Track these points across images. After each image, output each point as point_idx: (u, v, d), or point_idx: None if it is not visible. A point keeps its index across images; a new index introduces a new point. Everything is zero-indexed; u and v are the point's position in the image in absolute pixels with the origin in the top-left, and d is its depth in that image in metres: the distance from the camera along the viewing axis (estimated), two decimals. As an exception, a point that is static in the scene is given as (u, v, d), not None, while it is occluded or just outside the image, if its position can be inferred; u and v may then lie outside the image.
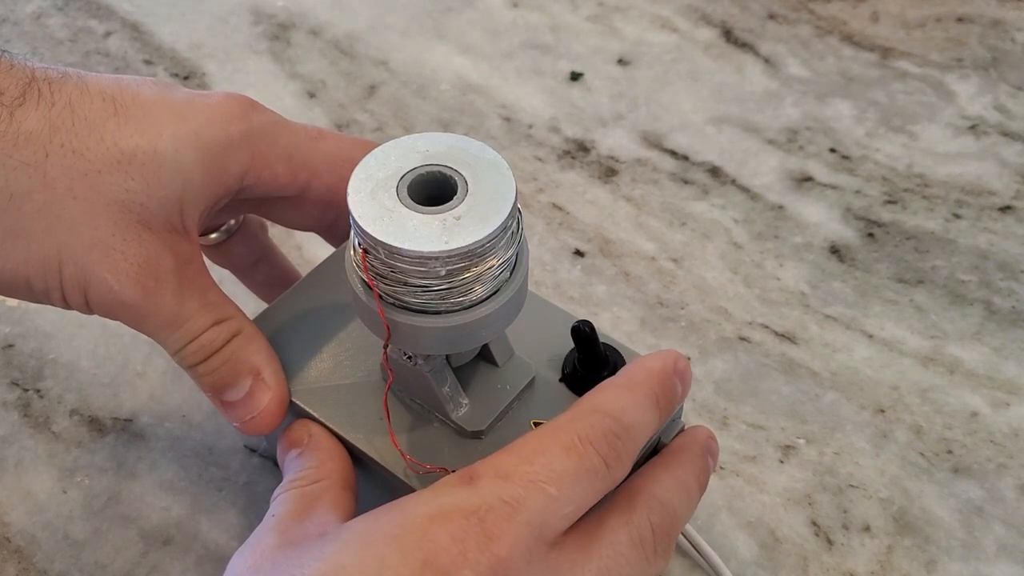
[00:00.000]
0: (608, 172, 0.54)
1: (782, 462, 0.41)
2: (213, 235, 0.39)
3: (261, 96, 0.60)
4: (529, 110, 0.57)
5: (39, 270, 0.30)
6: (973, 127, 0.56)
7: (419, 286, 0.28)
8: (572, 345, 0.35)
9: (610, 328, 0.46)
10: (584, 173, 0.54)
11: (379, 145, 0.31)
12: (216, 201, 0.33)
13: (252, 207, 0.38)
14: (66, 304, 0.32)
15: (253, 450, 0.42)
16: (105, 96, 0.31)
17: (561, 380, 0.35)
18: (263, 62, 0.60)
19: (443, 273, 0.28)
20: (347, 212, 0.29)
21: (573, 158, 0.55)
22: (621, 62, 0.61)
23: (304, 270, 0.46)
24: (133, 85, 0.32)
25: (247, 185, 0.34)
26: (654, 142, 0.56)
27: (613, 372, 0.35)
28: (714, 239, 0.50)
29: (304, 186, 0.35)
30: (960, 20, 0.63)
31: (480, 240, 0.28)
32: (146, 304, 0.31)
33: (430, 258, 0.28)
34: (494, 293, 0.30)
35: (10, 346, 0.45)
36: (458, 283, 0.28)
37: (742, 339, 0.46)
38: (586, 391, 0.34)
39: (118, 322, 0.32)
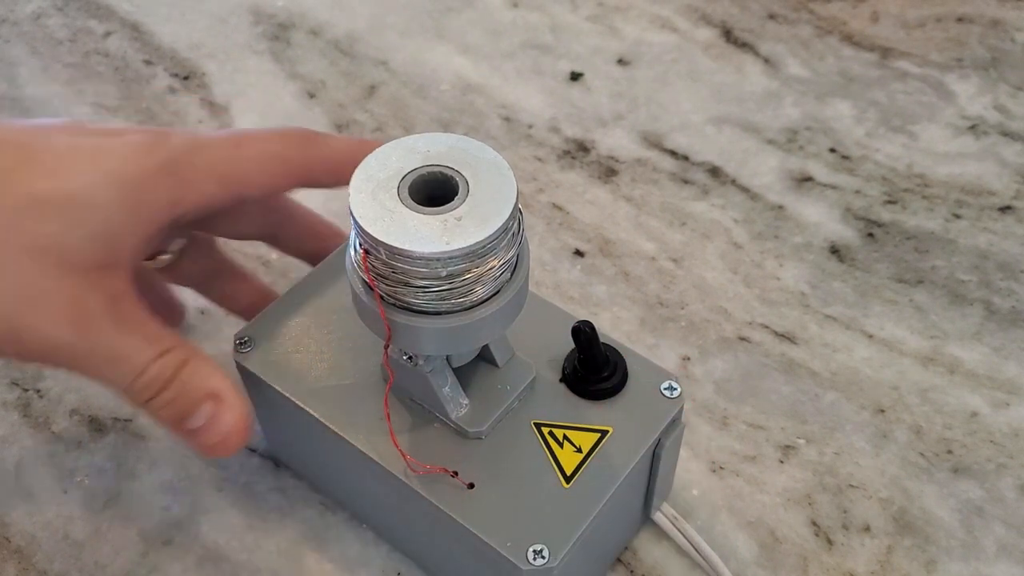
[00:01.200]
0: (608, 172, 0.54)
1: (782, 462, 0.41)
2: (163, 256, 0.38)
3: (261, 96, 0.60)
4: (529, 110, 0.57)
5: None
6: (973, 127, 0.56)
7: (420, 287, 0.28)
8: (572, 345, 0.35)
9: (610, 328, 0.46)
10: (584, 173, 0.54)
11: (304, 132, 0.31)
12: (148, 234, 0.33)
13: (195, 226, 0.37)
14: (2, 354, 0.31)
15: (253, 450, 0.42)
16: (17, 144, 0.31)
17: (561, 380, 0.35)
18: (263, 62, 0.60)
19: (444, 274, 0.28)
20: (292, 215, 0.28)
21: (573, 158, 0.55)
22: (621, 62, 0.61)
23: (286, 274, 0.46)
24: (43, 133, 0.32)
25: (182, 212, 0.33)
26: (654, 142, 0.56)
27: (614, 373, 0.35)
28: (714, 239, 0.50)
29: (238, 196, 0.35)
30: (960, 20, 0.63)
31: (481, 241, 0.28)
32: (81, 343, 0.31)
33: (431, 259, 0.28)
34: (495, 294, 0.30)
35: (10, 346, 0.45)
36: (459, 284, 0.29)
37: (742, 339, 0.46)
38: (586, 391, 0.34)
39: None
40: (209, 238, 0.41)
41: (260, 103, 0.58)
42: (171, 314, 0.43)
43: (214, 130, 0.36)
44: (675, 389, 0.35)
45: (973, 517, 0.40)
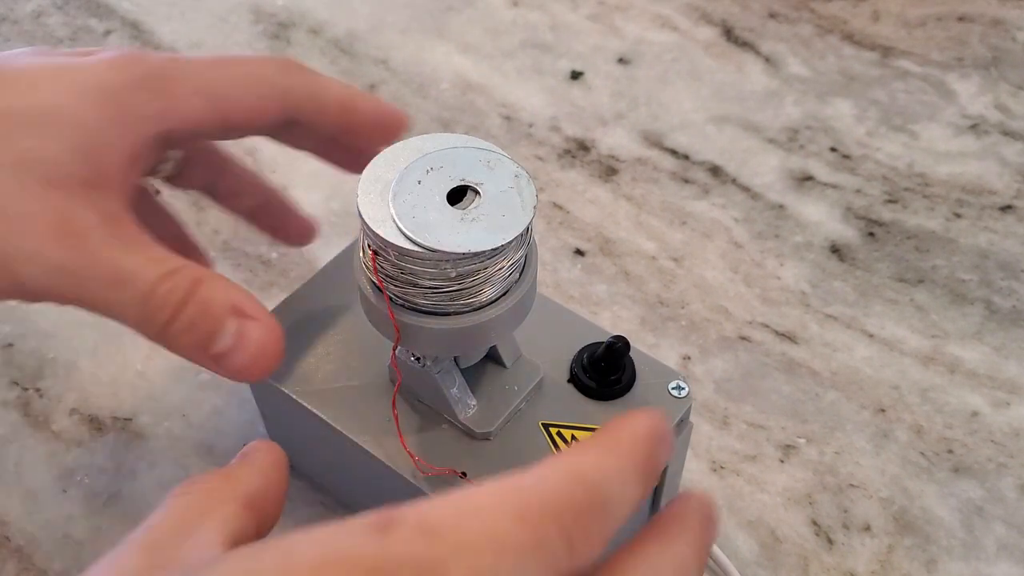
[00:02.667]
0: (608, 171, 0.54)
1: (782, 461, 0.41)
2: (164, 165, 0.36)
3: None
4: (529, 109, 0.57)
5: None
6: (974, 126, 0.56)
7: (429, 287, 0.28)
8: (579, 347, 0.35)
9: (610, 328, 0.46)
10: (584, 172, 0.54)
11: (293, 61, 0.31)
12: (135, 148, 0.31)
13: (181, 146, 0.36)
14: (25, 299, 0.30)
15: (253, 449, 0.42)
16: None
17: (569, 381, 0.35)
18: (263, 61, 0.60)
19: (453, 275, 0.28)
20: (230, 168, 0.27)
21: (573, 157, 0.55)
22: (621, 61, 0.61)
23: (306, 273, 0.46)
24: (13, 56, 0.31)
25: (169, 127, 0.31)
26: (654, 141, 0.56)
27: (622, 373, 0.34)
28: (714, 238, 0.50)
29: (224, 116, 0.33)
30: (961, 19, 0.63)
31: (494, 244, 0.28)
32: (78, 261, 0.28)
33: (441, 260, 0.27)
34: (503, 294, 0.30)
35: (10, 345, 0.45)
36: (468, 284, 0.29)
37: (742, 338, 0.46)
38: (594, 392, 0.34)
39: (91, 312, 0.30)
40: (208, 142, 0.39)
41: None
42: (186, 248, 0.40)
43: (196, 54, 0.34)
44: (683, 389, 0.35)
45: (973, 517, 0.40)
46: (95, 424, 0.43)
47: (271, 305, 0.38)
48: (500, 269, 0.29)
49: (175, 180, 0.37)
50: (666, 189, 0.53)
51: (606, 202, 0.52)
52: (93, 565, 0.23)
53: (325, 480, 0.40)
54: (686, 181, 0.53)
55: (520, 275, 0.30)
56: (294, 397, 0.35)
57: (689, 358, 0.45)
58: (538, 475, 0.21)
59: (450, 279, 0.28)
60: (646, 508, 0.37)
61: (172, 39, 0.62)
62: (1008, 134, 0.56)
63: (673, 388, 0.35)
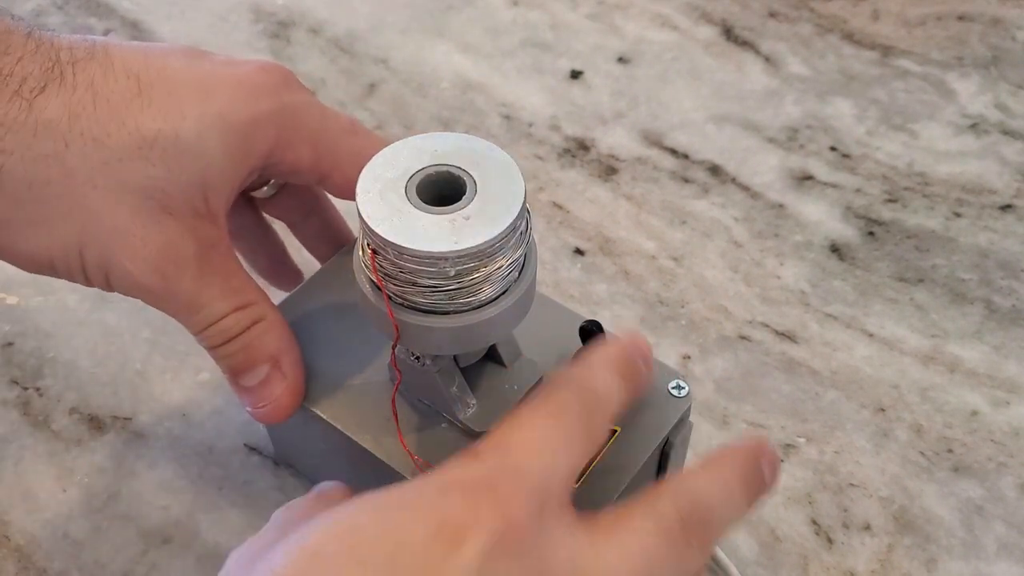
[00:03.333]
0: (608, 171, 0.54)
1: (782, 461, 0.41)
2: (264, 188, 0.38)
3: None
4: (529, 108, 0.57)
5: (61, 254, 0.31)
6: (974, 126, 0.56)
7: (428, 286, 0.28)
8: (579, 345, 0.35)
9: (610, 327, 0.46)
10: (584, 171, 0.54)
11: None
12: (242, 181, 0.33)
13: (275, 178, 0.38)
14: (89, 283, 0.32)
15: (253, 449, 0.42)
16: (130, 73, 0.31)
17: None
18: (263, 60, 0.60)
19: (452, 273, 0.28)
20: (324, 208, 0.28)
21: (573, 156, 0.55)
22: (621, 60, 0.61)
23: (307, 270, 0.46)
24: (160, 57, 0.32)
25: (272, 164, 0.34)
26: (654, 140, 0.56)
27: None
28: (714, 238, 0.50)
29: (324, 175, 0.35)
30: (961, 18, 0.63)
31: (490, 240, 0.28)
32: (165, 289, 0.31)
33: (440, 258, 0.27)
34: (503, 293, 0.30)
35: (10, 344, 0.45)
36: (467, 283, 0.28)
37: (742, 338, 0.46)
38: None
39: (118, 321, 0.32)
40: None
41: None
42: (283, 269, 0.43)
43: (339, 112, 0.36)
44: (683, 388, 0.35)
45: (973, 516, 0.40)
46: (95, 424, 0.43)
47: (275, 300, 0.38)
48: (499, 268, 0.29)
49: (267, 205, 0.40)
50: (666, 188, 0.53)
51: (606, 201, 0.52)
52: (234, 552, 0.28)
53: (323, 478, 0.40)
54: (686, 180, 0.53)
55: (519, 274, 0.30)
56: None
57: (689, 357, 0.45)
58: (655, 493, 0.27)
59: (449, 278, 0.28)
60: None
61: (172, 39, 0.62)
62: (1008, 133, 0.56)
63: (673, 387, 0.35)
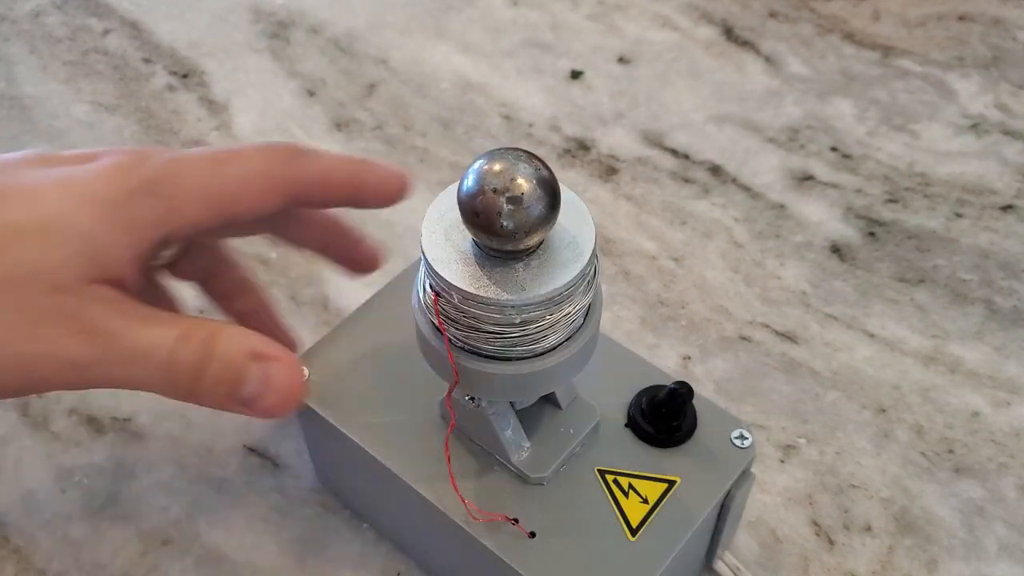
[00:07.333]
0: (608, 171, 0.54)
1: (783, 462, 0.41)
2: (164, 253, 0.37)
3: (260, 94, 0.60)
4: (529, 109, 0.57)
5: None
6: (974, 126, 0.56)
7: (492, 332, 0.27)
8: (638, 389, 0.33)
9: (611, 328, 0.46)
10: (584, 172, 0.54)
11: (290, 148, 0.31)
12: (139, 250, 0.32)
13: (203, 238, 0.37)
14: (23, 392, 0.31)
15: (252, 450, 0.42)
16: None
17: (627, 425, 0.33)
18: (262, 60, 0.60)
19: (518, 321, 0.27)
20: (342, 232, 0.27)
21: (573, 157, 0.55)
22: (621, 60, 0.61)
23: (306, 273, 0.46)
24: (12, 167, 0.32)
25: (170, 231, 0.32)
26: (654, 141, 0.56)
27: (683, 420, 0.33)
28: (715, 238, 0.50)
29: (225, 215, 0.33)
30: (961, 19, 0.63)
31: (558, 288, 0.26)
32: (94, 352, 0.30)
33: (506, 306, 0.26)
34: (567, 339, 0.28)
35: (9, 345, 0.45)
36: (532, 331, 0.27)
37: (743, 338, 0.46)
38: (653, 438, 0.33)
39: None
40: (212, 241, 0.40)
41: (259, 101, 0.58)
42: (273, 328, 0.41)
43: (196, 149, 0.35)
44: (746, 439, 0.33)
45: (974, 517, 0.40)
46: (94, 424, 0.43)
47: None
48: (566, 315, 0.27)
49: (172, 269, 0.38)
50: (666, 189, 0.53)
51: (606, 202, 0.52)
52: None
53: (370, 512, 0.39)
54: (686, 181, 0.53)
55: (584, 319, 0.29)
56: (343, 430, 0.33)
57: (689, 358, 0.45)
58: None
59: (514, 325, 0.27)
60: (702, 554, 0.36)
61: (171, 39, 0.62)
62: (1009, 133, 0.56)
63: (736, 437, 0.33)
